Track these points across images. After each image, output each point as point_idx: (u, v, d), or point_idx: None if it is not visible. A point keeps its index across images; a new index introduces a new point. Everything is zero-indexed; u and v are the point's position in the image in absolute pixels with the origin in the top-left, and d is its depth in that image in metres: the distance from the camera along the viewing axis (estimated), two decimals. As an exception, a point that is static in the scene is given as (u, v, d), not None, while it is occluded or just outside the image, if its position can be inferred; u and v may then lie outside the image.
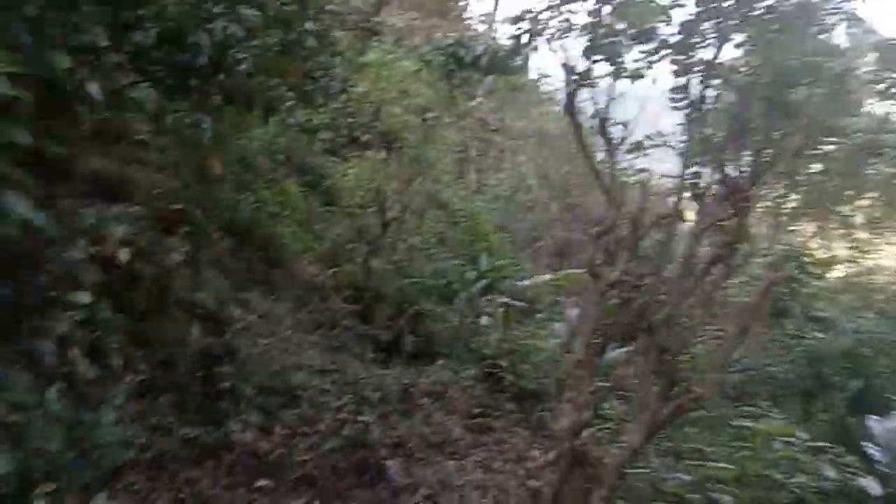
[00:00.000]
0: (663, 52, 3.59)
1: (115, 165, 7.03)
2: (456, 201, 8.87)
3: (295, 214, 8.04)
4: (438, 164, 8.85)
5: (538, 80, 12.92)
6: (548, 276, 6.44)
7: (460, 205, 9.25)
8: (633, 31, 3.44)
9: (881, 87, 3.93)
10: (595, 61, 3.56)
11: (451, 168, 10.11)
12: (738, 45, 3.59)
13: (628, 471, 3.37)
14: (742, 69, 3.65)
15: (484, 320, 6.41)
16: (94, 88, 2.68)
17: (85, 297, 2.85)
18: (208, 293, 5.05)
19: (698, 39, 3.56)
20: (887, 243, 14.30)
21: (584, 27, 3.59)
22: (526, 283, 6.45)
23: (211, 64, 3.40)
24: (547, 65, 14.60)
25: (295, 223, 8.10)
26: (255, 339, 5.20)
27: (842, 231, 15.21)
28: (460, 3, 18.07)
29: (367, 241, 8.77)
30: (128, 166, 7.31)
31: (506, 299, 6.42)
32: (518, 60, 12.10)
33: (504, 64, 10.72)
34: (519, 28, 4.05)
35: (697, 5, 3.49)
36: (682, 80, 3.65)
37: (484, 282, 6.40)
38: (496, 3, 17.32)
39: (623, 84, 3.67)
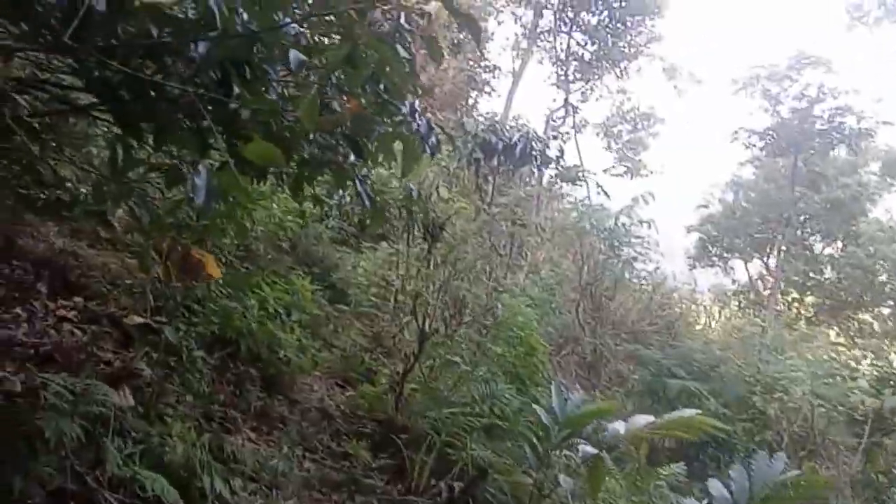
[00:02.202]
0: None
1: (64, 242, 5.07)
2: (495, 304, 6.95)
3: (302, 316, 6.00)
4: (476, 262, 7.04)
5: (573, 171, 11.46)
6: (646, 420, 4.40)
7: (496, 308, 7.31)
8: None
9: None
10: None
11: (481, 266, 8.33)
12: None
13: None
14: None
15: (564, 481, 4.28)
16: None
17: None
18: (171, 458, 2.92)
19: None
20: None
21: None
22: (619, 427, 4.39)
23: (209, 66, 1.55)
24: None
25: (300, 327, 6.03)
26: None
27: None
28: (471, 101, 17.27)
29: (385, 351, 6.78)
30: (84, 245, 5.36)
31: (591, 449, 4.34)
32: (556, 151, 10.88)
33: (540, 154, 9.40)
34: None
35: None
36: None
37: (566, 431, 4.34)
38: (509, 100, 16.52)
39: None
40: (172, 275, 5.10)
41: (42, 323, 4.10)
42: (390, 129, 1.92)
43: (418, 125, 2.04)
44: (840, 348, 12.17)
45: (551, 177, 10.62)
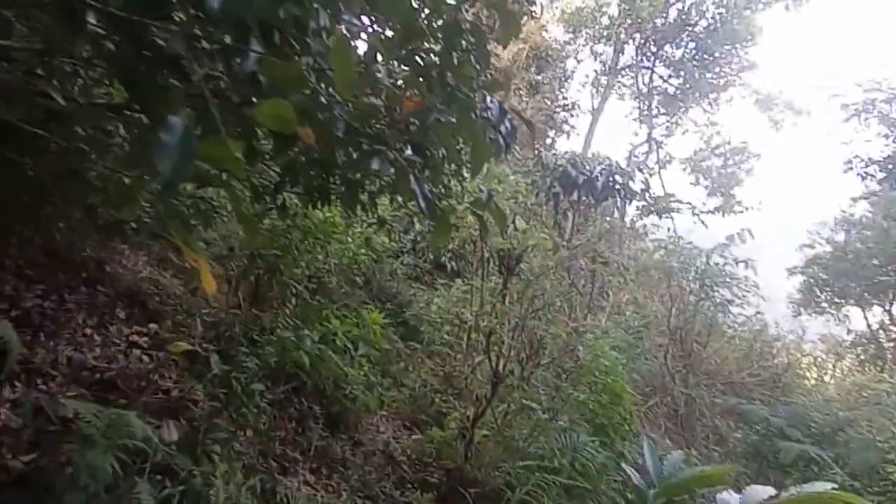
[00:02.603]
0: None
1: (150, 270, 5.16)
2: (576, 346, 6.32)
3: (371, 352, 5.72)
4: (555, 300, 6.51)
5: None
6: (765, 492, 3.59)
7: (577, 349, 6.66)
8: None
9: None
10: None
11: (560, 304, 7.75)
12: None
13: None
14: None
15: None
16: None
17: None
18: (215, 501, 2.63)
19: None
20: None
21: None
22: (730, 499, 3.62)
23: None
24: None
25: (368, 363, 5.73)
26: None
27: None
28: (548, 140, 16.93)
29: (457, 392, 6.34)
30: (168, 274, 5.45)
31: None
32: (641, 184, 10.17)
33: (623, 187, 8.76)
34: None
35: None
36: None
37: (663, 498, 3.63)
38: (588, 138, 16.02)
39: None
40: (241, 304, 5.04)
41: (114, 348, 4.10)
42: (453, 119, 1.57)
43: (488, 109, 1.68)
44: None
45: (637, 209, 9.86)
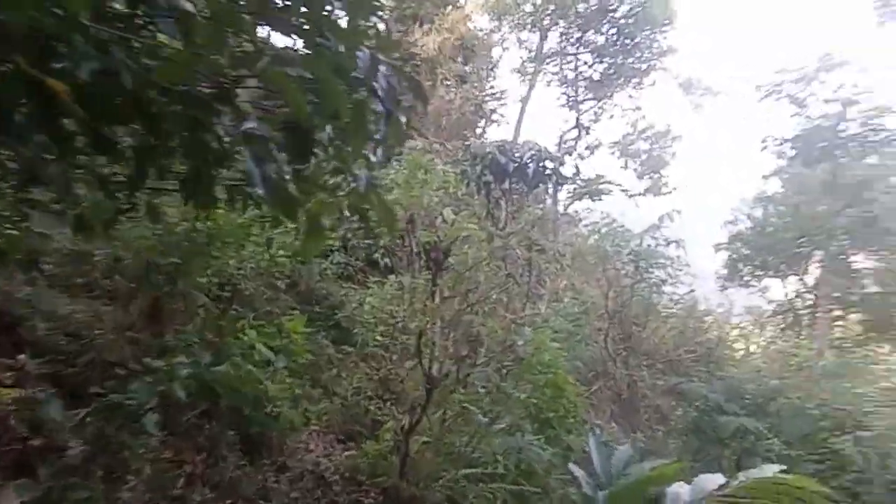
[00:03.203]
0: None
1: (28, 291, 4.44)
2: (514, 340, 6.10)
3: (293, 361, 5.20)
4: (490, 292, 6.23)
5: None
6: (714, 482, 3.45)
7: (516, 344, 6.44)
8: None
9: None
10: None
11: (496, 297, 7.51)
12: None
13: None
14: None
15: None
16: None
17: None
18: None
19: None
20: None
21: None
22: (682, 492, 3.45)
23: None
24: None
25: (293, 375, 5.21)
26: None
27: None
28: (478, 129, 16.75)
29: (394, 397, 5.95)
30: (56, 292, 4.73)
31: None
32: (572, 168, 10.12)
33: (554, 172, 8.62)
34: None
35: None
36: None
37: None
38: (518, 127, 15.97)
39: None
40: (134, 324, 4.41)
41: (-32, 388, 3.42)
42: (308, 76, 1.16)
43: (359, 59, 1.29)
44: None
45: (569, 193, 9.81)
